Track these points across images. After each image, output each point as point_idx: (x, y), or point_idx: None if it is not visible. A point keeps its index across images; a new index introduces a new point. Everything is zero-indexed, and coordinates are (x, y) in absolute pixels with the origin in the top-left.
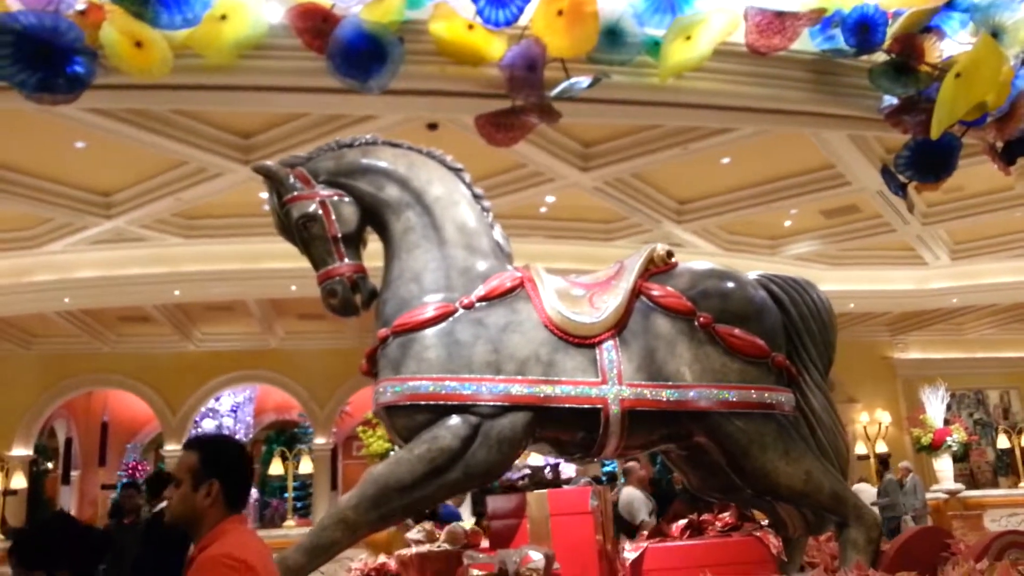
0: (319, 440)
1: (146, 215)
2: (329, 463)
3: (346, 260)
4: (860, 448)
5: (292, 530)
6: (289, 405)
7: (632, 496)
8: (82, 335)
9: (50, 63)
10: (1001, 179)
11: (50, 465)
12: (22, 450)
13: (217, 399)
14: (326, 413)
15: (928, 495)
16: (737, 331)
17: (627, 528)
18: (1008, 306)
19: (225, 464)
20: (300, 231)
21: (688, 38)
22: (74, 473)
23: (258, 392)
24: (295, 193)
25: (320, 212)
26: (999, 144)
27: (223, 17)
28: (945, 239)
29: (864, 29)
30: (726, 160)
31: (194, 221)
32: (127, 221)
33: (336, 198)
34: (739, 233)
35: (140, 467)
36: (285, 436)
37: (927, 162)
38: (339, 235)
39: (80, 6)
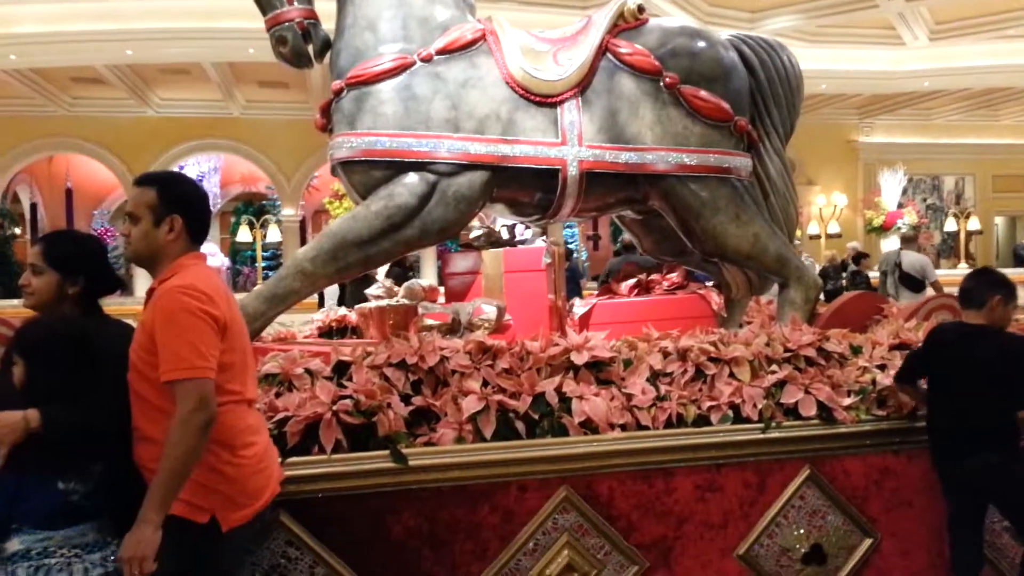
0: (287, 211)
1: None
2: (298, 234)
3: (295, 4)
4: (813, 228)
5: None
6: (256, 177)
7: (923, 259)
8: (36, 96)
9: None
10: None
11: (17, 231)
12: None
13: (181, 167)
14: (293, 185)
15: (872, 274)
16: (703, 93)
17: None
18: (979, 91)
19: (186, 198)
20: None
21: None
22: None
23: (223, 163)
24: None
25: None
26: None
27: None
28: (926, 17)
29: None
30: None
31: None
32: None
33: None
34: (718, 4)
35: (110, 232)
36: (253, 207)
37: None
38: None
39: None
